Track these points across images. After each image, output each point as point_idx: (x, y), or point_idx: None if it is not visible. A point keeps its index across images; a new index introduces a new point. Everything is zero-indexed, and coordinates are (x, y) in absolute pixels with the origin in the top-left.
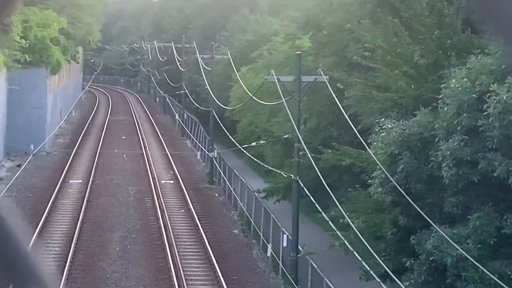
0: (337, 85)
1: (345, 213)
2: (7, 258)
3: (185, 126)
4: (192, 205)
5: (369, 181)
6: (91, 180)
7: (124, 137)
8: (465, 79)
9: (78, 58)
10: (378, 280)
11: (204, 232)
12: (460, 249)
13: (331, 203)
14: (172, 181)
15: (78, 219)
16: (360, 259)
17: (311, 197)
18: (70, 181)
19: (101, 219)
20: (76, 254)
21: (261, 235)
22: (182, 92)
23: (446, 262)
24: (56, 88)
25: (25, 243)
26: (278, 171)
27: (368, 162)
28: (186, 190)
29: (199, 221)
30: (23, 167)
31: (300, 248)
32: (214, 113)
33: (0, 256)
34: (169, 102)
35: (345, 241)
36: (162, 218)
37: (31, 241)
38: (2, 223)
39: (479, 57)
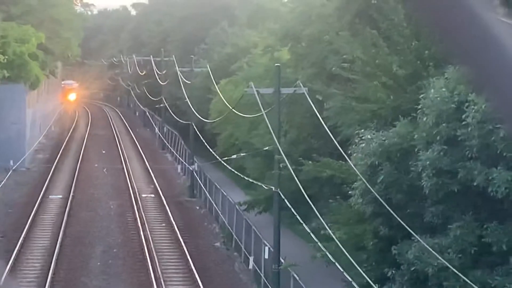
0: (317, 96)
1: (327, 224)
2: None
3: (165, 140)
4: (173, 219)
5: (349, 192)
6: (71, 195)
7: (104, 152)
8: (444, 89)
9: (57, 73)
10: None
11: (186, 246)
12: (441, 259)
13: (312, 215)
14: (153, 195)
15: (59, 235)
16: (342, 270)
17: (292, 209)
18: (50, 196)
19: (82, 234)
20: (57, 269)
21: (243, 248)
22: (161, 105)
23: (428, 272)
24: (35, 104)
25: None
26: (259, 183)
27: (349, 173)
28: (167, 204)
29: (181, 234)
30: (2, 183)
31: (282, 260)
32: (194, 126)
33: None
34: (149, 116)
35: (327, 253)
36: (143, 232)
37: (8, 261)
38: None
39: (457, 67)
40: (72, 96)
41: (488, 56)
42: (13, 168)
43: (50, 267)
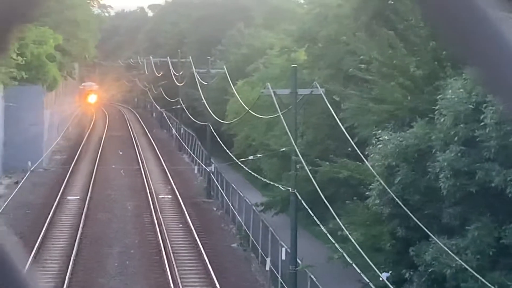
0: (333, 97)
1: (344, 225)
2: (3, 283)
3: (182, 141)
4: (190, 220)
5: (366, 193)
6: (88, 196)
7: (121, 153)
8: (461, 90)
9: (75, 74)
10: None
11: (203, 247)
12: (459, 260)
13: (329, 216)
14: (169, 196)
15: (77, 235)
16: (359, 271)
17: (309, 210)
18: (67, 197)
19: (99, 235)
20: (74, 270)
21: (260, 249)
22: (178, 106)
23: (445, 273)
24: (52, 105)
25: (20, 266)
26: (275, 184)
27: (366, 174)
28: (184, 205)
29: (198, 235)
30: (20, 184)
31: (299, 261)
32: (211, 127)
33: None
34: (166, 117)
35: (344, 254)
36: (160, 233)
37: (28, 260)
38: None
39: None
40: (92, 98)
41: (500, 57)
42: (31, 169)
43: (67, 268)
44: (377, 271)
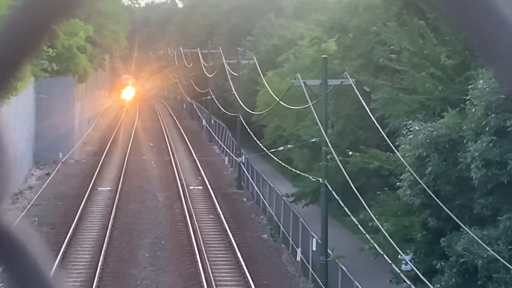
0: (364, 88)
1: (374, 216)
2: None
3: (213, 132)
4: (221, 211)
5: (397, 183)
6: (119, 187)
7: (152, 144)
8: (493, 80)
9: (105, 66)
10: (409, 282)
11: (233, 237)
12: (491, 251)
13: (360, 207)
14: (200, 187)
15: (108, 226)
16: (390, 262)
17: (339, 201)
18: (99, 188)
19: (131, 225)
20: (106, 261)
21: (290, 240)
22: (208, 97)
23: (477, 264)
24: (83, 96)
25: (46, 268)
26: (306, 175)
27: (396, 164)
28: (214, 196)
29: (228, 226)
30: (52, 175)
31: (330, 252)
32: (241, 118)
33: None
34: (196, 108)
35: (375, 244)
36: (191, 224)
37: (58, 254)
38: (21, 248)
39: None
40: (129, 92)
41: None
42: (62, 160)
43: (99, 258)
44: (408, 262)
